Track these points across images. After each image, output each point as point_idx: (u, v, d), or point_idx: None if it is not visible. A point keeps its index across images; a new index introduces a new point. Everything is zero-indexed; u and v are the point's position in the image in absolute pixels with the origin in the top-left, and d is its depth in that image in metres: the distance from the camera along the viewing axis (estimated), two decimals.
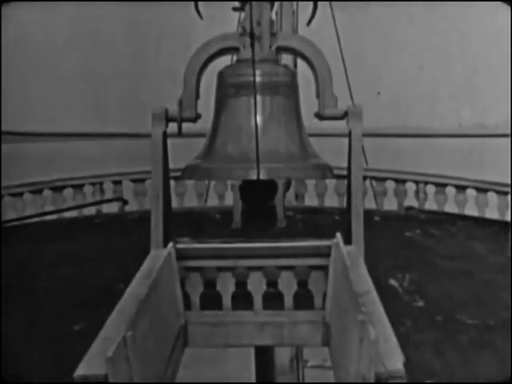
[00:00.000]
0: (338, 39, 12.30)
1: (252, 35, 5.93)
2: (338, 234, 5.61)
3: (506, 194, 10.32)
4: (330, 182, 11.14)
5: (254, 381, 9.03)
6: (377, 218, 9.69)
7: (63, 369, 3.52)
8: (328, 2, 11.57)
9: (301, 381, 9.75)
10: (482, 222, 9.89)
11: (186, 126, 6.28)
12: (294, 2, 10.73)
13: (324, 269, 5.54)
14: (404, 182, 11.44)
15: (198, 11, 6.41)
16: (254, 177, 5.72)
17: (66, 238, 8.60)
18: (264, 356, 8.62)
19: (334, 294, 5.34)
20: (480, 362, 5.05)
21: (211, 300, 5.63)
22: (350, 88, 12.04)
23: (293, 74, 6.57)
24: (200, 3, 6.36)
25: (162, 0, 15.77)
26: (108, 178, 11.38)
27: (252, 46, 5.88)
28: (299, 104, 6.51)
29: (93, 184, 11.20)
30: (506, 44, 13.56)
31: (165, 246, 5.70)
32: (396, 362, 3.24)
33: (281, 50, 6.45)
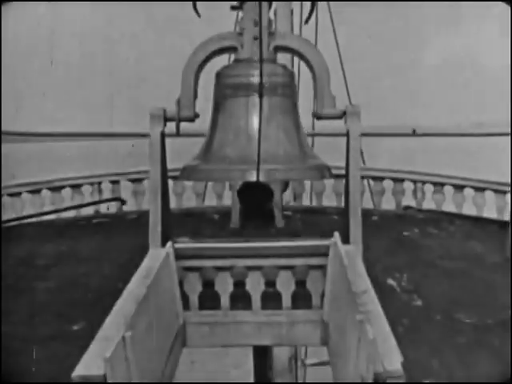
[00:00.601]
0: (336, 38, 12.30)
1: (260, 39, 5.92)
2: (336, 234, 5.61)
3: (504, 193, 10.30)
4: (328, 182, 11.13)
5: (252, 380, 9.03)
6: (375, 218, 9.68)
7: (62, 369, 3.52)
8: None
9: (299, 380, 9.76)
10: (480, 221, 9.88)
11: (184, 125, 6.28)
12: (293, 2, 10.70)
13: (322, 268, 5.54)
14: (402, 181, 11.43)
15: (196, 10, 6.43)
16: (253, 179, 5.73)
17: (64, 238, 8.59)
18: (262, 356, 8.63)
19: (332, 293, 5.34)
20: (478, 361, 5.04)
21: (209, 300, 5.63)
22: (347, 87, 12.03)
23: (291, 75, 6.57)
24: (198, 3, 6.39)
25: (162, 0, 15.74)
26: (106, 177, 11.37)
27: (260, 50, 5.86)
28: (297, 104, 6.52)
29: (91, 184, 11.19)
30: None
31: (163, 245, 5.70)
32: (394, 361, 3.24)
33: (279, 49, 6.46)
